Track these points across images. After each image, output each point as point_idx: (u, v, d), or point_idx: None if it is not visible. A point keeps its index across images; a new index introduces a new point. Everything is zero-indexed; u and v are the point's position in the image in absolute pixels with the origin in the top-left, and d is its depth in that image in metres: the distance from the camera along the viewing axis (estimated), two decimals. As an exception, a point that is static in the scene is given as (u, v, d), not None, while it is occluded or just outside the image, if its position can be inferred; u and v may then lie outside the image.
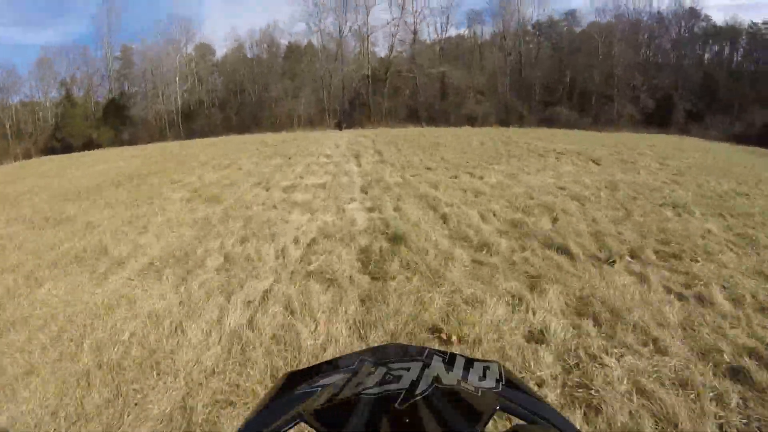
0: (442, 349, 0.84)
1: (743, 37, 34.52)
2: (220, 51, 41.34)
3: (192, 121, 36.91)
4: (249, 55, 40.29)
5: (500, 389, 0.70)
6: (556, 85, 36.17)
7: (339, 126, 33.15)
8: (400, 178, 9.66)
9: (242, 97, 37.84)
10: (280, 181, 9.68)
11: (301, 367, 1.31)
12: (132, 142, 33.77)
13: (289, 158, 14.15)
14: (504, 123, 31.51)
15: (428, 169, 10.93)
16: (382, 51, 37.46)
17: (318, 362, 0.99)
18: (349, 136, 23.26)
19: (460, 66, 35.75)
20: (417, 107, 34.67)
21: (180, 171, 12.23)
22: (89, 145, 34.50)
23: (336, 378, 0.72)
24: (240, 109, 36.35)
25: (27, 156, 31.26)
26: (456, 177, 9.64)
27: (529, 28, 38.11)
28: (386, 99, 34.12)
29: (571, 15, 38.00)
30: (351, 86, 35.47)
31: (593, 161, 12.04)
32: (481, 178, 9.43)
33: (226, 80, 39.85)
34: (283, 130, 31.65)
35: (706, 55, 35.65)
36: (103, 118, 39.27)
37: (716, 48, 35.92)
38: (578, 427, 0.76)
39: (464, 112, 33.01)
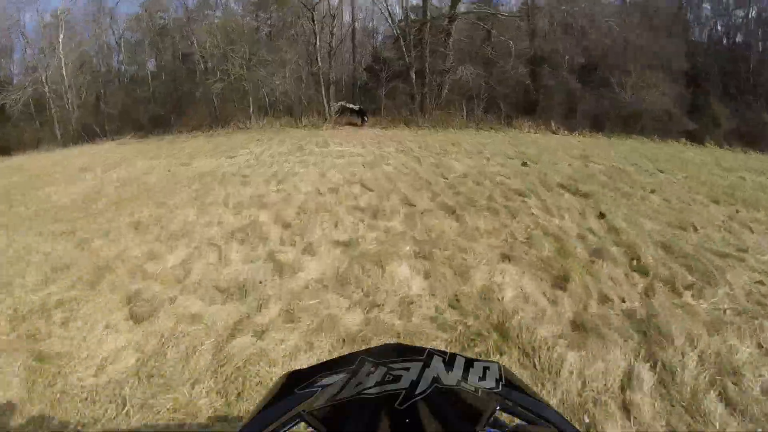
0: (442, 349, 0.78)
1: None
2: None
3: (98, 116, 20.31)
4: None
5: (500, 389, 0.69)
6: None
7: (360, 117, 15.86)
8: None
9: (184, 71, 20.98)
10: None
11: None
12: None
13: None
14: (689, 134, 14.24)
15: None
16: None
17: (318, 362, 0.94)
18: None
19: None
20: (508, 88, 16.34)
21: None
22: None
23: (336, 378, 0.71)
24: (172, 94, 19.38)
25: None
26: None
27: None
28: (448, 63, 16.05)
29: None
30: (372, 39, 17.82)
31: None
32: None
33: (168, 48, 23.13)
34: (224, 133, 14.57)
35: None
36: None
37: None
38: (578, 428, 0.70)
39: (619, 107, 14.89)
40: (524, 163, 7.39)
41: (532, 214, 4.43)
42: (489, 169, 6.94)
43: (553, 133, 14.36)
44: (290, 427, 0.59)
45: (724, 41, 20.00)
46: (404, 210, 4.62)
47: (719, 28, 20.41)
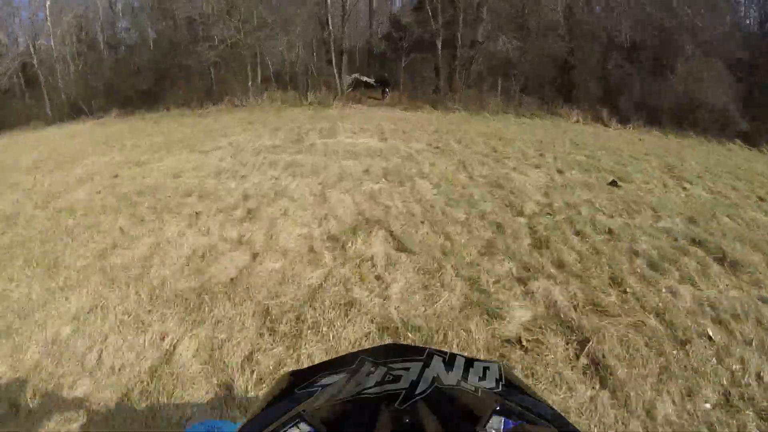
0: (443, 349, 0.72)
1: None
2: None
3: (87, 90, 18.24)
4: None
5: (500, 389, 0.65)
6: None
7: (381, 88, 14.15)
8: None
9: (186, 39, 18.47)
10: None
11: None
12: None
13: None
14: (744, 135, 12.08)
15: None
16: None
17: (318, 362, 0.87)
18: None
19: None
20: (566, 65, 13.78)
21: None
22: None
23: (336, 378, 0.67)
24: (168, 64, 16.97)
25: None
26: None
27: None
28: (481, 34, 13.55)
29: None
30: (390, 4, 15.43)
31: None
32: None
33: (169, 14, 20.46)
34: (216, 111, 12.53)
35: None
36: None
37: None
38: (579, 429, 0.58)
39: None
40: (614, 183, 5.19)
41: (708, 336, 2.30)
42: (574, 196, 4.70)
43: (605, 125, 12.12)
44: (290, 427, 0.54)
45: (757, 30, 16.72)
46: (484, 335, 2.31)
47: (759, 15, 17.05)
